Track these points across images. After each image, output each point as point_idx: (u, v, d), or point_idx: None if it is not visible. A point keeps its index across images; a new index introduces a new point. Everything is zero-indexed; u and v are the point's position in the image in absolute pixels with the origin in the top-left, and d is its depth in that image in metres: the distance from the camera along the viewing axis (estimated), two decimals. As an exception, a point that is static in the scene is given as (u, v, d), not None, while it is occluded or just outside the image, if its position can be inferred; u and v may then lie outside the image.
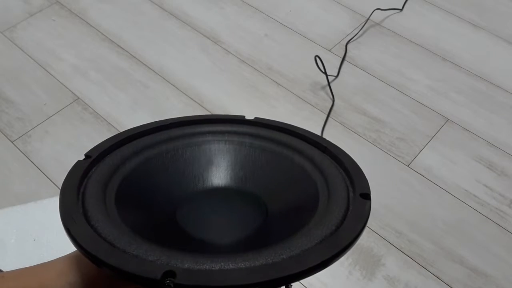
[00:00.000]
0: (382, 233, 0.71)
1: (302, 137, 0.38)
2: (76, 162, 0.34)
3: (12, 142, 0.78)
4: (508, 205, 0.75)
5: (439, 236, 0.71)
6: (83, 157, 0.35)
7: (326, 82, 0.88)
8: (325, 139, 0.37)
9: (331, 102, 0.86)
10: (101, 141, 0.36)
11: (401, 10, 1.05)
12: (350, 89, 0.89)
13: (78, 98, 0.85)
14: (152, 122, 0.39)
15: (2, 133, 0.80)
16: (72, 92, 0.86)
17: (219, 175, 0.37)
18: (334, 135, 0.82)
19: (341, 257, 0.27)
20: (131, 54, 0.93)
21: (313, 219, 0.30)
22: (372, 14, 1.01)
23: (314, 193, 0.32)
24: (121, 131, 0.39)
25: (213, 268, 0.25)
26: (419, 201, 0.75)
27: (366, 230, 0.73)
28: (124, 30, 0.97)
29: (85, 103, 0.85)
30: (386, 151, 0.80)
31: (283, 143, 0.37)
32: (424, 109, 0.87)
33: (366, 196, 0.31)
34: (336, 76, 0.91)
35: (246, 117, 0.40)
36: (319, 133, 0.82)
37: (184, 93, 0.87)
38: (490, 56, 0.96)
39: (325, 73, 0.88)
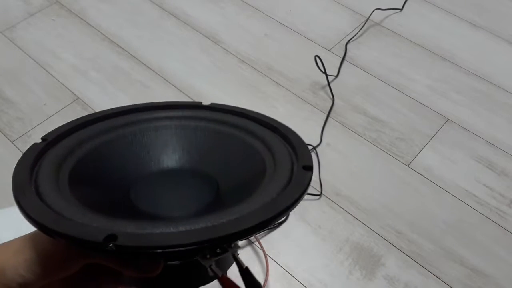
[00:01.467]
0: (382, 233, 0.71)
1: (255, 120, 0.41)
2: (32, 145, 0.35)
3: (12, 142, 0.78)
4: (508, 205, 0.75)
5: (439, 236, 0.71)
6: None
7: (326, 82, 0.88)
8: (275, 120, 0.40)
9: (331, 102, 0.86)
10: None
11: (401, 10, 1.05)
12: (350, 89, 0.89)
13: (78, 98, 0.85)
14: (112, 108, 0.41)
15: (2, 133, 0.80)
16: (72, 92, 0.86)
17: (174, 157, 0.39)
18: (334, 135, 0.82)
19: (277, 219, 0.28)
20: (131, 54, 0.93)
21: (258, 190, 0.31)
22: (372, 14, 1.01)
23: (262, 168, 0.34)
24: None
25: (154, 232, 0.26)
26: (419, 201, 0.75)
27: (366, 229, 0.73)
28: (124, 30, 0.97)
29: (85, 103, 0.85)
30: (386, 151, 0.80)
31: (236, 125, 0.40)
32: (424, 109, 0.87)
33: (308, 168, 0.33)
34: (336, 76, 0.91)
35: (204, 103, 0.43)
36: (319, 133, 0.82)
37: (184, 93, 0.87)
38: (490, 56, 0.96)
39: (325, 73, 0.88)
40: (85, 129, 0.38)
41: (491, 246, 0.70)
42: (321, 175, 0.76)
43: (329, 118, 0.84)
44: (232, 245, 0.32)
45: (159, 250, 0.26)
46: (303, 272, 0.66)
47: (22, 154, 0.34)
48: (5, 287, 0.28)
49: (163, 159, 0.39)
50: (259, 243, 0.68)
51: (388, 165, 0.79)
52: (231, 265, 0.34)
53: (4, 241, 0.31)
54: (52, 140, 0.36)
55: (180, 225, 0.27)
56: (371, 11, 1.02)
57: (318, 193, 0.74)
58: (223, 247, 0.31)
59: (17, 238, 0.31)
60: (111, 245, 0.25)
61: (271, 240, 0.69)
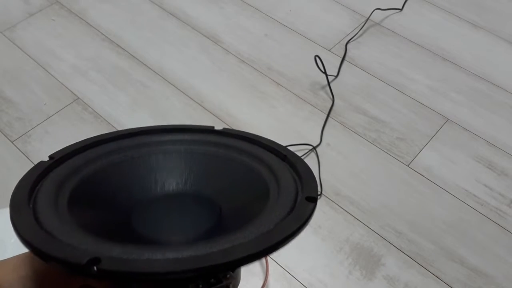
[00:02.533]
0: (382, 233, 0.71)
1: (265, 147, 0.40)
2: (39, 162, 0.35)
3: (12, 142, 0.78)
4: (508, 205, 0.75)
5: (439, 236, 0.71)
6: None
7: (326, 82, 0.88)
8: (286, 149, 0.39)
9: (331, 102, 0.86)
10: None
11: (401, 10, 1.05)
12: (350, 89, 0.89)
13: (78, 98, 0.85)
14: (123, 130, 0.41)
15: (2, 133, 0.80)
16: (72, 92, 0.86)
17: (179, 181, 0.39)
18: (334, 135, 0.82)
19: (269, 253, 0.27)
20: (131, 54, 0.93)
21: (258, 217, 0.31)
22: (372, 14, 1.01)
23: (265, 195, 0.34)
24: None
25: (139, 258, 0.26)
26: (419, 201, 0.75)
27: (366, 229, 0.73)
28: (124, 30, 0.97)
29: (85, 103, 0.85)
30: (386, 151, 0.80)
31: (245, 151, 0.39)
32: (424, 109, 0.87)
33: (311, 199, 0.32)
34: (336, 76, 0.91)
35: (216, 128, 0.43)
36: (319, 133, 0.82)
37: (184, 93, 0.87)
38: (490, 56, 0.96)
39: (325, 73, 0.88)
40: (93, 149, 0.38)
41: (491, 246, 0.70)
42: (321, 175, 0.76)
43: (329, 118, 0.84)
44: (228, 275, 0.32)
45: (142, 277, 0.25)
46: (303, 272, 0.66)
47: (26, 166, 0.34)
48: None
49: (168, 183, 0.39)
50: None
51: (388, 165, 0.79)
52: None
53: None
54: (58, 158, 0.36)
55: (168, 252, 0.26)
56: (371, 11, 1.02)
57: (318, 193, 0.74)
58: (216, 277, 0.30)
59: (16, 256, 0.31)
60: (94, 268, 0.25)
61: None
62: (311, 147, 0.79)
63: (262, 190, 0.35)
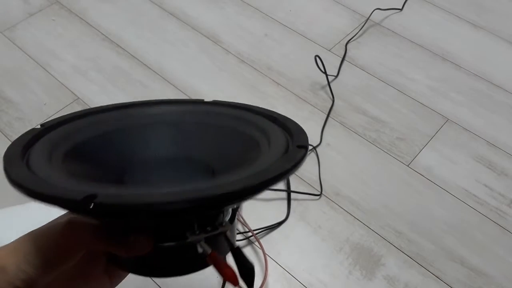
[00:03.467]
0: (382, 233, 0.71)
1: (254, 111, 0.41)
2: (30, 129, 0.35)
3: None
4: (508, 205, 0.75)
5: (439, 236, 0.71)
6: None
7: (326, 82, 0.88)
8: (275, 112, 0.41)
9: (331, 102, 0.86)
10: None
11: (401, 10, 1.05)
12: (350, 89, 0.89)
13: (78, 98, 0.85)
14: (113, 104, 0.42)
15: (2, 133, 0.80)
16: (72, 92, 0.86)
17: (172, 147, 0.40)
18: (334, 135, 0.82)
19: (263, 189, 0.27)
20: (131, 54, 0.93)
21: (251, 165, 0.31)
22: (372, 14, 1.02)
23: (256, 150, 0.34)
24: None
25: (136, 192, 0.26)
26: (419, 201, 0.75)
27: (366, 229, 0.73)
28: (124, 30, 0.97)
29: (85, 103, 0.85)
30: (386, 151, 0.80)
31: (235, 117, 0.40)
32: (424, 109, 0.87)
33: (302, 146, 0.32)
34: (336, 76, 0.91)
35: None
36: (319, 133, 0.82)
37: (184, 93, 0.87)
38: (490, 56, 0.96)
39: (325, 73, 0.88)
40: (85, 118, 0.39)
41: (491, 246, 0.70)
42: (321, 175, 0.76)
43: (329, 118, 0.84)
44: (223, 223, 0.32)
45: (140, 209, 0.25)
46: (303, 272, 0.66)
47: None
48: (10, 285, 0.28)
49: (161, 148, 0.39)
50: (259, 243, 0.68)
51: (388, 165, 0.79)
52: (227, 252, 0.33)
53: (4, 241, 0.31)
54: (50, 126, 0.36)
55: (163, 188, 0.26)
56: (371, 11, 1.02)
57: (318, 193, 0.74)
58: (213, 224, 0.30)
59: (15, 240, 0.31)
60: (88, 203, 0.24)
61: (271, 240, 0.69)
62: (311, 147, 0.79)
63: (254, 149, 0.35)
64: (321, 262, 0.67)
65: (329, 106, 0.86)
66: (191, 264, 0.33)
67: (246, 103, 0.43)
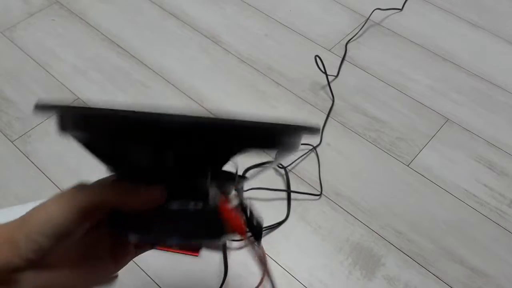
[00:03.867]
0: (382, 233, 0.71)
1: None
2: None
3: (12, 142, 0.78)
4: (508, 205, 0.75)
5: (439, 236, 0.71)
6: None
7: (326, 82, 0.88)
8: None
9: (331, 102, 0.86)
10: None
11: (401, 10, 1.05)
12: (350, 89, 0.89)
13: (78, 98, 0.85)
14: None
15: (2, 133, 0.80)
16: (72, 92, 0.86)
17: None
18: (334, 135, 0.82)
19: (281, 133, 0.27)
20: (131, 54, 0.93)
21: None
22: (372, 14, 1.02)
23: None
24: None
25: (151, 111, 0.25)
26: (419, 201, 0.75)
27: (366, 229, 0.73)
28: (124, 30, 0.97)
29: (85, 103, 0.85)
30: (386, 151, 0.80)
31: None
32: (424, 109, 0.87)
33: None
34: (336, 76, 0.91)
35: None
36: (319, 133, 0.82)
37: (184, 93, 0.87)
38: (491, 56, 0.96)
39: (325, 73, 0.88)
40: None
41: (491, 246, 0.70)
42: (321, 175, 0.76)
43: (329, 118, 0.84)
44: (236, 178, 0.31)
45: (158, 124, 0.24)
46: (303, 272, 0.66)
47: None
48: (21, 258, 0.28)
49: None
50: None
51: (388, 165, 0.79)
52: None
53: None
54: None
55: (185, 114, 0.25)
56: (371, 11, 1.02)
57: (318, 193, 0.74)
58: (226, 172, 0.30)
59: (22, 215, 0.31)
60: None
61: (271, 240, 0.69)
62: (311, 147, 0.79)
63: None
64: (321, 262, 0.67)
65: (329, 106, 0.86)
66: (201, 225, 0.32)
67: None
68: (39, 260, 0.28)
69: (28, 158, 0.76)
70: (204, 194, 0.29)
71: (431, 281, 0.66)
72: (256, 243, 0.31)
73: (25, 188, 0.72)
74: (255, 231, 0.31)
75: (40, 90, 0.86)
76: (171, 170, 0.31)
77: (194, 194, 0.31)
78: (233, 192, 0.31)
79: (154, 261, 0.65)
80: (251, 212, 0.31)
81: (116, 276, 0.36)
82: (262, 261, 0.33)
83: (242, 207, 0.31)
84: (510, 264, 0.68)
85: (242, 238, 0.30)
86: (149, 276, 0.64)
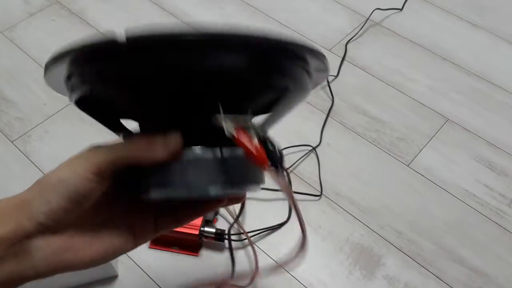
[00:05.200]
0: (382, 233, 0.71)
1: None
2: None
3: (12, 142, 0.78)
4: (508, 205, 0.75)
5: (439, 236, 0.71)
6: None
7: (326, 82, 0.88)
8: None
9: (331, 102, 0.86)
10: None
11: (401, 10, 1.05)
12: (350, 89, 0.89)
13: (78, 98, 0.85)
14: None
15: (2, 133, 0.80)
16: (72, 92, 0.86)
17: None
18: (334, 135, 0.82)
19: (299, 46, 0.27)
20: (131, 54, 0.93)
21: None
22: (372, 14, 1.02)
23: None
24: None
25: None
26: (419, 201, 0.75)
27: (366, 229, 0.73)
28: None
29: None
30: (386, 151, 0.80)
31: None
32: (424, 109, 0.87)
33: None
34: (336, 76, 0.91)
35: None
36: (319, 133, 0.82)
37: (184, 93, 0.87)
38: (490, 56, 0.96)
39: (325, 73, 0.88)
40: None
41: (491, 246, 0.70)
42: (321, 175, 0.76)
43: (329, 118, 0.84)
44: (248, 112, 0.31)
45: (186, 39, 0.23)
46: (303, 272, 0.66)
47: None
48: (32, 221, 0.27)
49: None
50: (250, 244, 0.68)
51: (388, 165, 0.79)
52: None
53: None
54: None
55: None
56: (371, 11, 1.02)
57: (318, 193, 0.74)
58: (241, 106, 0.29)
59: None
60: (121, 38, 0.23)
61: (271, 240, 0.69)
62: (311, 148, 0.79)
63: None
64: (321, 262, 0.67)
65: (329, 106, 0.86)
66: (224, 170, 0.29)
67: None
68: (52, 225, 0.27)
69: (28, 158, 0.76)
70: (219, 134, 0.28)
71: (431, 281, 0.66)
72: (279, 171, 0.30)
73: (25, 188, 0.72)
74: (276, 159, 0.30)
75: (40, 90, 0.86)
76: (184, 113, 0.29)
77: (210, 135, 0.29)
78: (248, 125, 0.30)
79: (154, 261, 0.65)
80: (269, 141, 0.30)
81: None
82: (286, 189, 0.31)
83: (259, 137, 0.29)
84: (510, 264, 0.68)
85: (265, 167, 0.29)
86: (149, 276, 0.64)
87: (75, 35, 0.96)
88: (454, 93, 0.90)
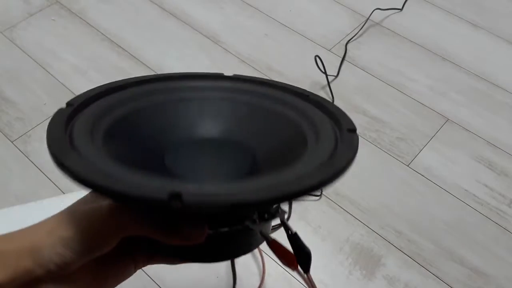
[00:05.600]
0: (382, 233, 0.71)
1: (282, 89, 0.39)
2: (58, 109, 0.33)
3: (12, 142, 0.78)
4: (508, 205, 0.75)
5: (439, 236, 0.71)
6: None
7: (326, 82, 0.88)
8: (305, 90, 0.38)
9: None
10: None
11: (401, 10, 1.05)
12: (350, 89, 0.89)
13: (78, 98, 0.85)
14: (133, 77, 0.39)
15: (2, 133, 0.80)
16: (72, 92, 0.86)
17: (205, 127, 0.38)
18: (334, 135, 0.82)
19: (337, 179, 0.27)
20: (131, 54, 0.93)
21: (305, 155, 0.30)
22: (372, 14, 1.02)
23: (301, 135, 0.33)
24: None
25: (218, 191, 0.25)
26: (419, 201, 0.75)
27: (366, 229, 0.73)
28: (124, 30, 0.97)
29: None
30: (386, 151, 0.80)
31: (264, 94, 0.38)
32: (424, 109, 0.87)
33: (353, 130, 0.32)
34: (336, 76, 0.91)
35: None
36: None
37: (184, 93, 0.87)
38: (490, 56, 0.96)
39: (325, 73, 0.88)
40: (112, 96, 0.37)
41: (491, 246, 0.70)
42: (321, 175, 0.76)
43: (329, 118, 0.84)
44: (280, 210, 0.32)
45: (228, 206, 0.24)
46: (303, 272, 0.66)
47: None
48: (42, 269, 0.27)
49: (194, 128, 0.37)
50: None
51: (388, 165, 0.79)
52: (270, 230, 0.34)
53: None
54: (78, 105, 0.34)
55: (244, 184, 0.26)
56: (371, 11, 1.02)
57: (318, 193, 0.74)
58: (270, 212, 0.30)
59: (49, 218, 0.29)
60: (176, 202, 0.23)
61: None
62: (311, 147, 0.79)
63: (295, 130, 0.34)
64: (321, 262, 0.67)
65: (329, 106, 0.86)
66: (242, 246, 0.33)
67: (268, 79, 0.41)
68: (61, 272, 0.28)
69: (28, 158, 0.76)
70: (249, 229, 0.30)
71: (431, 281, 0.66)
72: (306, 272, 0.32)
73: (25, 188, 0.72)
74: (304, 263, 0.32)
75: (40, 90, 0.86)
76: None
77: (238, 234, 0.32)
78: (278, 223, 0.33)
79: (154, 261, 0.65)
80: (299, 243, 0.32)
81: None
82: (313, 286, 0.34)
83: (290, 237, 0.32)
84: (510, 264, 0.68)
85: (293, 268, 0.32)
86: (149, 277, 0.64)
87: (75, 35, 0.96)
88: (454, 93, 0.90)
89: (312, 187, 0.26)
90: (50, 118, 0.31)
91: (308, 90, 0.40)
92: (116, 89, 0.37)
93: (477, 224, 0.72)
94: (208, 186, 0.26)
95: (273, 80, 0.41)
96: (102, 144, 0.31)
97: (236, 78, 0.41)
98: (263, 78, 0.41)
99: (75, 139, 0.30)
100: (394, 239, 0.70)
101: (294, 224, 0.71)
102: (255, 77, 0.41)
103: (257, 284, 0.64)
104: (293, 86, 0.40)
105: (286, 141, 0.35)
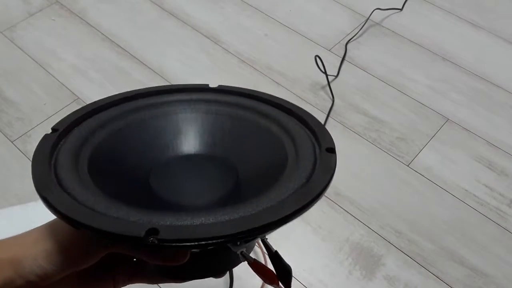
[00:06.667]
0: (382, 233, 0.71)
1: (266, 101, 0.40)
2: (44, 135, 0.34)
3: (12, 142, 0.78)
4: (508, 205, 0.75)
5: (439, 236, 0.71)
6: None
7: (326, 82, 0.88)
8: (289, 102, 0.39)
9: (331, 102, 0.86)
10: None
11: (401, 10, 1.05)
12: (350, 89, 0.89)
13: (78, 98, 0.85)
14: (117, 94, 0.40)
15: (2, 133, 0.80)
16: (72, 92, 0.86)
17: (188, 142, 0.38)
18: (334, 135, 0.81)
19: (312, 206, 0.28)
20: (131, 54, 0.93)
21: (284, 175, 0.31)
22: (372, 14, 1.02)
23: (282, 152, 0.34)
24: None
25: (194, 223, 0.26)
26: (419, 201, 0.75)
27: (366, 229, 0.73)
28: (124, 30, 0.97)
29: (85, 103, 0.85)
30: (386, 151, 0.80)
31: (248, 107, 0.39)
32: (424, 109, 0.87)
33: (331, 150, 0.33)
34: (336, 76, 0.91)
35: (210, 85, 0.42)
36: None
37: (184, 93, 0.87)
38: (490, 56, 0.96)
39: (325, 73, 0.88)
40: (94, 117, 0.37)
41: (491, 246, 0.70)
42: (321, 175, 0.76)
43: (329, 118, 0.84)
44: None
45: (202, 242, 0.25)
46: (303, 272, 0.66)
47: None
48: (23, 279, 0.27)
49: (177, 145, 0.38)
50: (258, 244, 0.68)
51: (388, 165, 0.79)
52: (253, 248, 0.35)
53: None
54: (63, 130, 0.35)
55: (220, 215, 0.27)
56: (371, 11, 1.02)
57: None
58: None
59: (33, 229, 0.30)
60: (152, 238, 0.24)
61: (270, 240, 0.69)
62: (311, 147, 0.79)
63: (278, 147, 0.35)
64: (321, 262, 0.67)
65: (329, 106, 0.86)
66: (224, 264, 0.34)
67: (252, 89, 0.42)
68: (42, 283, 0.28)
69: (28, 158, 0.76)
70: (230, 251, 0.31)
71: (431, 281, 0.66)
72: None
73: (25, 188, 0.72)
74: (285, 280, 0.33)
75: (40, 90, 0.86)
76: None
77: (218, 253, 0.33)
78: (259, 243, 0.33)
79: (154, 261, 0.65)
80: (280, 261, 0.33)
81: None
82: None
83: (271, 256, 0.33)
84: (510, 264, 0.68)
85: (275, 285, 0.33)
86: (149, 276, 0.64)
87: (75, 35, 0.96)
88: (454, 93, 0.90)
89: (287, 217, 0.27)
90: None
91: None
92: (99, 109, 0.38)
93: (477, 224, 0.72)
94: (185, 218, 0.27)
95: (258, 91, 0.41)
96: (87, 171, 0.32)
97: (221, 90, 0.42)
98: (248, 89, 0.42)
99: (59, 171, 0.31)
100: (394, 239, 0.70)
101: (294, 224, 0.71)
102: (239, 88, 0.42)
103: (258, 284, 0.64)
104: (278, 98, 0.40)
105: (267, 158, 0.36)
